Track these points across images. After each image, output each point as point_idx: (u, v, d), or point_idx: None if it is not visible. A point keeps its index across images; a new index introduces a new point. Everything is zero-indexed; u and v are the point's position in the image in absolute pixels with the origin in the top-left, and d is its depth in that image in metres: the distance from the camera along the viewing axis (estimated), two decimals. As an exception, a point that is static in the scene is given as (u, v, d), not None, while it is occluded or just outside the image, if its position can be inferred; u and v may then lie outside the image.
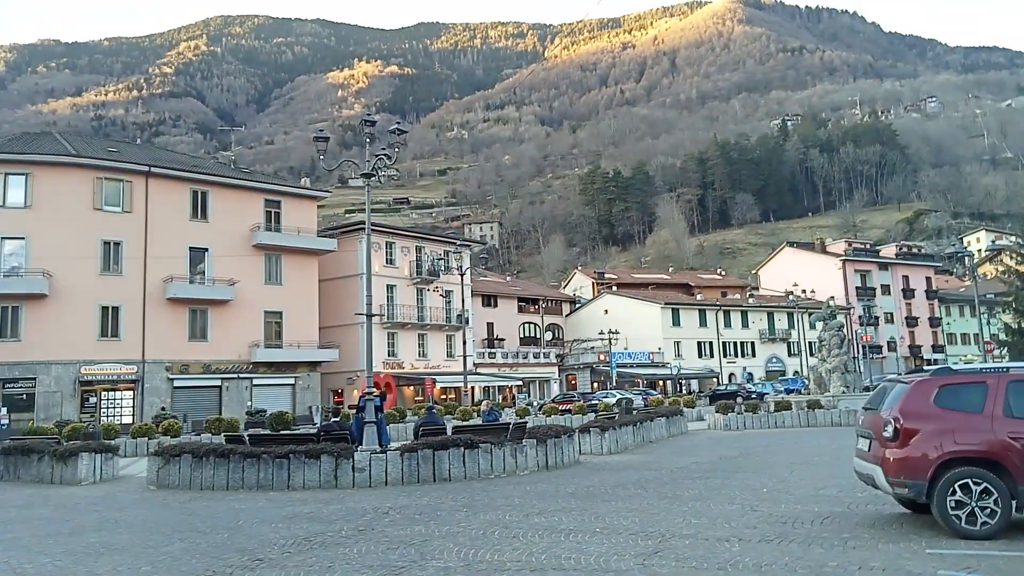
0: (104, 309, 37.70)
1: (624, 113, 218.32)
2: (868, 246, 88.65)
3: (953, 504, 7.54)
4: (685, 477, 13.93)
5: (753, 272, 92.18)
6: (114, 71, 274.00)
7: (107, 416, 36.44)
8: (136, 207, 39.17)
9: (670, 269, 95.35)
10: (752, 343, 70.08)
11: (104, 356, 37.26)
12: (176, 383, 39.29)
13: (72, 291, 36.57)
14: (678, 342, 65.91)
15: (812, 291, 69.79)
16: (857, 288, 77.82)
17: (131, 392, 38.13)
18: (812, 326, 53.00)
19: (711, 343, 68.05)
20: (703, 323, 68.27)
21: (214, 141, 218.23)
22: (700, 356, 66.91)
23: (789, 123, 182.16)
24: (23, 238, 36.43)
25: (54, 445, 17.68)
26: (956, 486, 7.53)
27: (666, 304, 66.95)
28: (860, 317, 75.01)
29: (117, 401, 37.85)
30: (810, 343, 56.63)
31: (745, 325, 70.11)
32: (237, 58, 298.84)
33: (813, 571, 6.62)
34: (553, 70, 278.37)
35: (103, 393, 37.54)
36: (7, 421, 32.90)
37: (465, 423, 26.13)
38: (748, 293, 79.92)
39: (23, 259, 36.29)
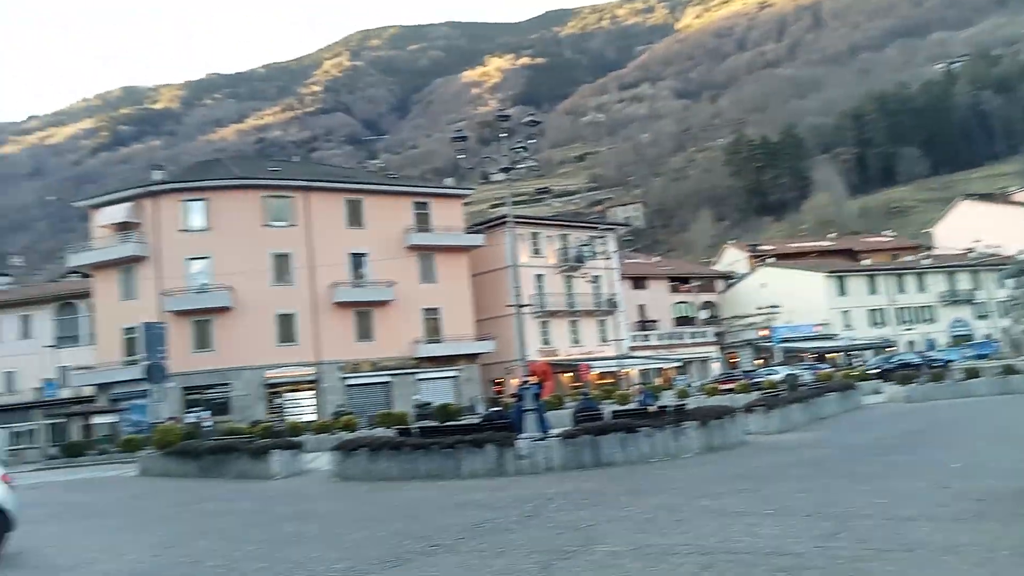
0: (281, 317, 40.85)
1: (767, 76, 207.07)
2: (1063, 190, 78.91)
3: None
4: (863, 454, 13.13)
5: (925, 231, 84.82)
6: (270, 95, 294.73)
7: (291, 415, 39.49)
8: (299, 220, 42.09)
9: (831, 235, 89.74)
10: (931, 307, 64.59)
11: (284, 360, 40.41)
12: (349, 381, 41.90)
13: (252, 302, 39.91)
14: (846, 312, 62.00)
15: (997, 246, 63.25)
16: (1052, 239, 69.61)
17: (311, 391, 41.09)
18: (1001, 284, 48.12)
19: (883, 310, 63.46)
20: (873, 290, 63.77)
21: (363, 151, 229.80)
22: (872, 325, 62.60)
23: (955, 65, 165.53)
24: (207, 257, 40.18)
25: (248, 444, 19.41)
26: None
27: (830, 272, 63.10)
28: (1058, 271, 67.10)
29: (299, 400, 40.91)
30: (1000, 303, 51.52)
31: (922, 289, 64.71)
32: (377, 69, 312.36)
33: (1017, 551, 6.06)
34: (687, 41, 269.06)
35: (286, 394, 40.73)
36: (210, 423, 36.51)
37: (623, 407, 26.01)
38: (922, 254, 73.69)
39: (208, 276, 40.03)
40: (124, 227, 40.47)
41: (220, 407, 38.77)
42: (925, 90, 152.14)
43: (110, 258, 40.17)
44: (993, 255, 61.04)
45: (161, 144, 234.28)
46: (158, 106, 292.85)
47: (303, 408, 40.50)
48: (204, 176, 43.20)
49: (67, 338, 46.72)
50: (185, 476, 19.64)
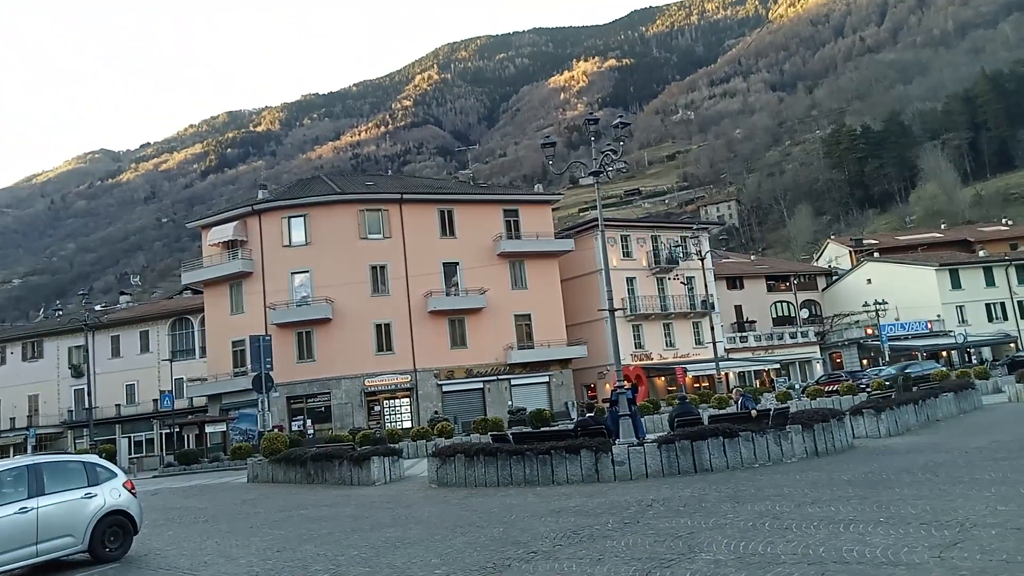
0: (377, 327, 42.00)
1: (867, 62, 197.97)
2: None
3: None
4: (984, 459, 12.29)
5: (1049, 217, 78.89)
6: (363, 112, 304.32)
7: (389, 421, 40.53)
8: (394, 232, 43.19)
9: (942, 226, 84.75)
10: (1057, 299, 60.00)
11: (382, 368, 41.52)
12: (444, 388, 42.62)
13: (350, 313, 41.22)
14: (961, 306, 58.38)
15: None
16: None
17: (407, 399, 42.05)
18: None
19: (1003, 304, 59.39)
20: (990, 282, 59.79)
21: (453, 162, 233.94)
22: (990, 320, 58.69)
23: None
24: (308, 271, 41.79)
25: (349, 451, 20.02)
26: None
27: (941, 265, 59.60)
28: None
29: (397, 408, 41.97)
30: None
31: (1045, 279, 60.24)
32: (465, 80, 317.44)
33: None
34: (780, 31, 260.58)
35: (384, 401, 41.82)
36: (312, 431, 37.91)
37: (721, 411, 25.35)
38: (1045, 242, 68.53)
39: (309, 289, 41.61)
40: (232, 245, 42.63)
41: (322, 415, 40.22)
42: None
43: (219, 275, 42.37)
44: None
45: (264, 164, 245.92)
46: (260, 128, 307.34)
47: (400, 415, 41.51)
48: (304, 193, 45.01)
49: (182, 352, 49.75)
50: (290, 483, 20.42)
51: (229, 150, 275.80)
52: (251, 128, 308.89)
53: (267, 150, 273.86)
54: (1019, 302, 59.45)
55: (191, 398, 47.06)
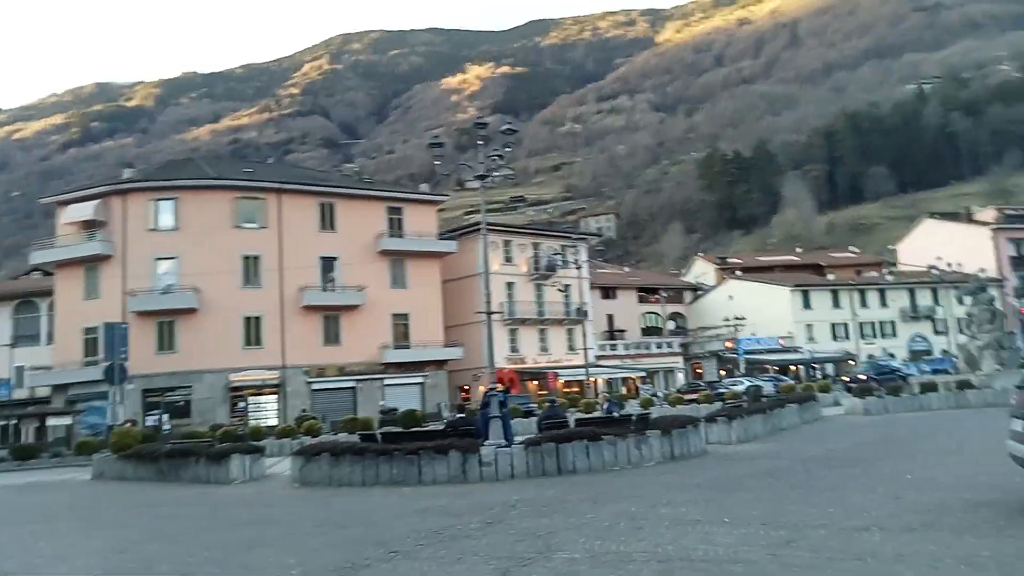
0: (247, 320, 40.40)
1: (742, 92, 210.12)
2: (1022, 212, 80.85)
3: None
4: (819, 466, 13.31)
5: (890, 248, 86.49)
6: (247, 96, 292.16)
7: (254, 419, 39.01)
8: (271, 222, 41.72)
9: (798, 250, 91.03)
10: (892, 323, 65.86)
11: (249, 363, 39.93)
12: (314, 386, 41.52)
13: (218, 304, 39.41)
14: (810, 325, 62.97)
15: (958, 264, 64.71)
16: (1011, 258, 71.29)
17: (275, 396, 40.65)
18: (959, 301, 49.21)
19: (846, 324, 64.56)
20: (836, 304, 64.85)
21: (339, 154, 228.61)
22: (835, 339, 63.63)
23: (926, 87, 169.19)
24: (175, 257, 39.62)
25: (208, 448, 19.11)
26: None
27: (795, 286, 64.08)
28: (1016, 289, 68.76)
29: (263, 405, 40.46)
30: (958, 320, 52.61)
31: (884, 304, 66.01)
32: (357, 73, 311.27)
33: (962, 561, 6.18)
34: (666, 55, 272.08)
35: (250, 397, 40.23)
36: (169, 426, 35.90)
37: (588, 416, 26.11)
38: (885, 270, 75.11)
39: (175, 277, 39.46)
40: (90, 225, 39.79)
41: (180, 410, 38.22)
42: (896, 110, 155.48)
43: (74, 256, 39.42)
44: (953, 272, 62.39)
45: (133, 142, 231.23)
46: (132, 103, 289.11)
47: (266, 413, 40.07)
48: (175, 175, 42.68)
49: (25, 337, 45.66)
50: (142, 480, 19.28)
51: (95, 124, 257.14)
52: (122, 103, 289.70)
53: (138, 127, 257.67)
54: (860, 324, 64.80)
55: (33, 388, 43.39)
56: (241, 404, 39.88)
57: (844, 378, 46.31)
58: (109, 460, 20.75)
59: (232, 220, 40.84)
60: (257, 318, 40.61)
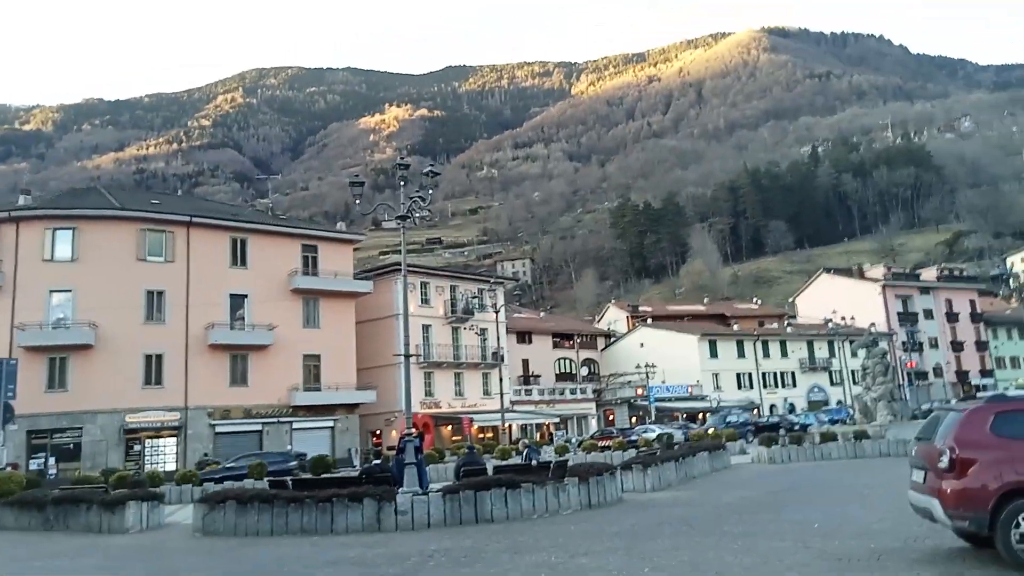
0: (148, 357, 38.42)
1: (652, 145, 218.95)
2: (908, 270, 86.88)
3: (1018, 537, 7.25)
4: (732, 513, 13.62)
5: (790, 300, 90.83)
6: (155, 126, 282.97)
7: (151, 463, 36.88)
8: (178, 257, 40.10)
9: (705, 300, 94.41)
10: (792, 373, 68.81)
11: (148, 404, 37.85)
12: (218, 428, 39.69)
13: (117, 341, 37.36)
14: (716, 374, 64.99)
15: (852, 318, 68.39)
16: (899, 313, 76.19)
17: (174, 439, 38.59)
18: (854, 354, 51.89)
19: (750, 374, 66.96)
20: (741, 354, 67.28)
21: (251, 189, 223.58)
22: (739, 388, 65.81)
23: (819, 148, 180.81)
24: (70, 291, 37.42)
25: (102, 494, 17.89)
26: (1020, 518, 7.26)
27: (703, 336, 66.18)
28: (904, 343, 73.27)
29: (161, 448, 38.30)
30: (853, 371, 55.44)
31: (784, 355, 68.94)
32: (272, 108, 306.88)
33: (873, 610, 6.41)
34: (580, 106, 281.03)
35: (147, 440, 38.05)
36: (55, 471, 33.51)
37: (505, 462, 25.94)
38: (786, 322, 78.68)
39: (70, 311, 37.24)
40: (-24, 253, 37.18)
41: (70, 453, 35.81)
42: (793, 169, 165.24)
43: (-44, 285, 36.70)
44: (848, 326, 65.92)
45: (28, 167, 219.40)
46: (29, 127, 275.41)
47: (164, 456, 37.98)
48: (75, 204, 40.62)
49: None
50: (25, 530, 17.87)
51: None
52: (16, 125, 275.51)
53: (34, 152, 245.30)
54: (763, 373, 67.35)
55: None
56: (137, 447, 37.67)
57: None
58: (-13, 508, 19.14)
59: (136, 253, 39.05)
60: (159, 356, 38.69)
